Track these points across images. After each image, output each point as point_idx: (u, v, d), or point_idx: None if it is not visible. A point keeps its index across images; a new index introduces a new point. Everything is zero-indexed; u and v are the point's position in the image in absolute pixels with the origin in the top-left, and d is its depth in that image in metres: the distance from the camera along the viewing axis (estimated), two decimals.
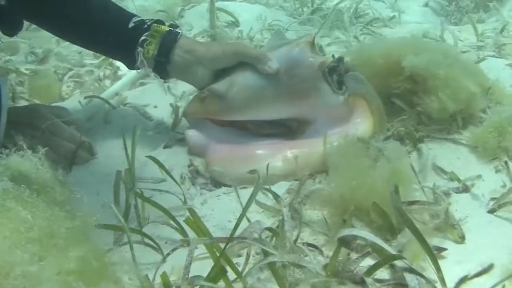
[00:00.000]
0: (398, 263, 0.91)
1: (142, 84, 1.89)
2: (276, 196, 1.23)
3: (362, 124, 1.37)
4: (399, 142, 1.30)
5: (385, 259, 0.90)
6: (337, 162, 1.18)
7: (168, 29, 1.44)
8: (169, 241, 1.12)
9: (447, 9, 2.81)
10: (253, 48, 1.45)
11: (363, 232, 0.94)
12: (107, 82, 1.95)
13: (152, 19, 1.46)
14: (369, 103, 1.39)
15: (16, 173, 0.87)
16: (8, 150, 0.93)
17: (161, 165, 1.29)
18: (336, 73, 1.36)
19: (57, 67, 1.99)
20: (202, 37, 2.31)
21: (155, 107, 1.73)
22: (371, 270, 0.92)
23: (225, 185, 1.34)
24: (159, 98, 1.78)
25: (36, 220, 0.80)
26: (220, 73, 1.42)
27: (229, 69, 1.41)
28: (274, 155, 1.35)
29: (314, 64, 1.32)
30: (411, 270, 0.89)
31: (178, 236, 1.11)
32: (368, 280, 0.91)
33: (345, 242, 0.97)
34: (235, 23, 2.48)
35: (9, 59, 2.08)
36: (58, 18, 1.49)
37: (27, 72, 1.93)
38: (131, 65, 1.48)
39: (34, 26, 2.40)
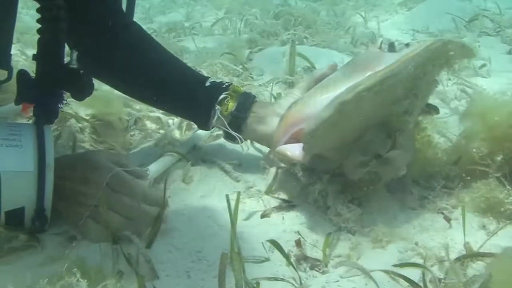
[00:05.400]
0: None
1: (219, 136, 1.61)
2: None
3: None
4: None
5: None
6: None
7: (245, 91, 1.44)
8: None
9: None
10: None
11: None
12: (176, 132, 1.71)
13: (228, 82, 1.46)
14: None
15: None
16: None
17: (285, 255, 1.08)
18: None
19: (119, 113, 1.75)
20: (276, 83, 2.10)
21: (239, 164, 1.48)
22: None
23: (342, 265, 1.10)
24: (242, 153, 1.50)
25: None
26: None
27: None
28: None
29: (371, 47, 1.36)
30: None
31: None
32: None
33: None
34: (311, 69, 2.21)
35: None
36: (130, 76, 1.46)
37: (87, 117, 1.71)
38: (203, 124, 1.45)
39: None
